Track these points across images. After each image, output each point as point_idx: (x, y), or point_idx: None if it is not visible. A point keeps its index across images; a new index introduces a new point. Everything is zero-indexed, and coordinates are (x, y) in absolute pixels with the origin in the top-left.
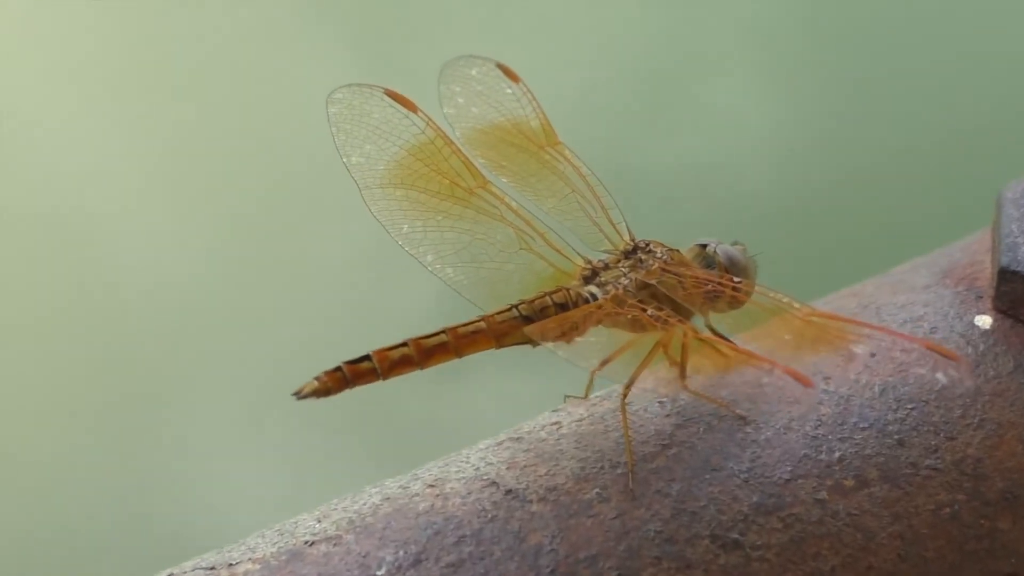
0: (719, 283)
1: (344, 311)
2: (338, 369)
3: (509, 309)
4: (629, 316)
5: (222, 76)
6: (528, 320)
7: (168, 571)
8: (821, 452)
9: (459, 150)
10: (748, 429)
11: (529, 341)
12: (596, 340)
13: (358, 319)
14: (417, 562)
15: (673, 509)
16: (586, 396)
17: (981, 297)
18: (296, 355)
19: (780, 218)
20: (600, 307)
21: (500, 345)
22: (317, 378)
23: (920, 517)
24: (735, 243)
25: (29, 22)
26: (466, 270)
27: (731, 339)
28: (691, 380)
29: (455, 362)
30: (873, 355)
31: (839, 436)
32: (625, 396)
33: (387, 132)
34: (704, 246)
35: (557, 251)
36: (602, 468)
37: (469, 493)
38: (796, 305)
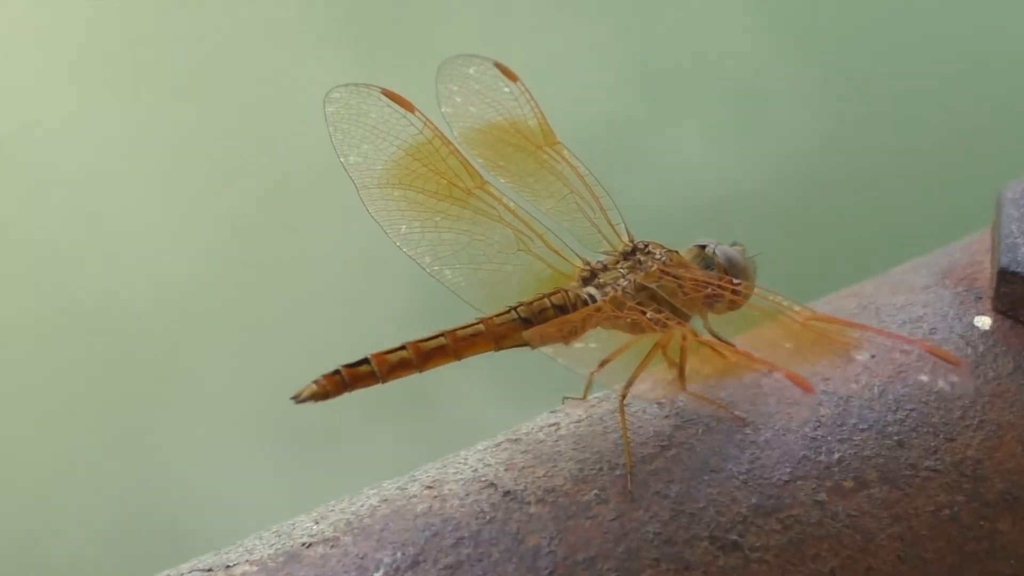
0: (718, 286)
1: (344, 311)
2: (336, 372)
3: (508, 311)
4: (628, 319)
5: (222, 76)
6: (527, 322)
7: (165, 572)
8: (820, 453)
9: (457, 150)
10: (747, 430)
11: (528, 344)
12: (596, 346)
13: (358, 319)
14: (415, 564)
15: (672, 510)
16: (584, 397)
17: (981, 298)
18: (295, 355)
19: (779, 218)
20: (599, 309)
21: (499, 347)
22: (316, 382)
23: (920, 518)
24: (734, 244)
25: (29, 22)
26: (464, 271)
27: (730, 341)
28: (690, 382)
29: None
30: (872, 356)
31: (838, 437)
32: (624, 397)
33: (385, 132)
34: (703, 247)
35: (555, 252)
36: (601, 469)
37: (467, 495)
38: (795, 308)
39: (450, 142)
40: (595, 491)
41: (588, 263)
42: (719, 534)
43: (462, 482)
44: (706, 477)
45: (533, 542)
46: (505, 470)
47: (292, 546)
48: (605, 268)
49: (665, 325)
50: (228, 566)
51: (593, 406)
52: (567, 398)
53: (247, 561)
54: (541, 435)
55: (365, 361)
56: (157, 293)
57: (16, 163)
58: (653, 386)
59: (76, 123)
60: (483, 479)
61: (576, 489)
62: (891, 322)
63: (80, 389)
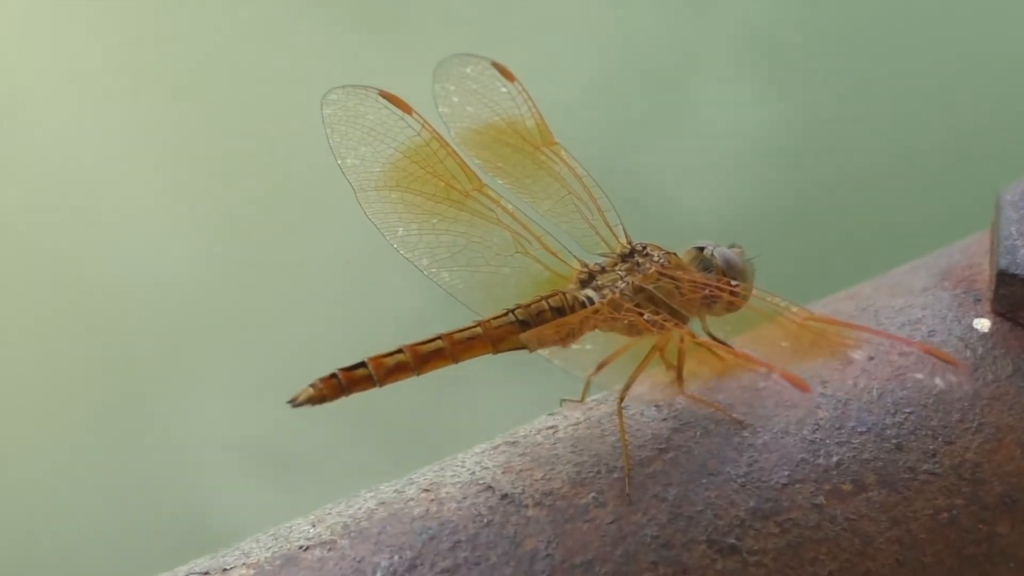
0: (717, 288)
1: (344, 311)
2: (333, 376)
3: (505, 314)
4: (626, 321)
5: (222, 76)
6: (525, 325)
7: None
8: (819, 456)
9: (454, 152)
10: (745, 433)
11: (526, 347)
12: (592, 348)
13: (358, 319)
14: (412, 567)
15: (670, 514)
16: (582, 400)
17: (980, 300)
18: (296, 355)
19: (778, 219)
20: (597, 312)
21: (497, 350)
22: (312, 385)
23: (918, 522)
24: (732, 246)
25: (29, 22)
26: (461, 274)
27: (728, 343)
28: (688, 384)
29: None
30: (871, 358)
31: (837, 440)
32: (622, 400)
33: (382, 134)
34: (701, 249)
35: (553, 254)
36: (598, 472)
37: (464, 498)
38: (793, 309)
39: (448, 144)
40: (593, 494)
41: (586, 265)
42: (717, 537)
43: (459, 485)
44: (704, 480)
45: (531, 545)
46: (503, 473)
47: (289, 549)
48: (603, 270)
49: (663, 327)
50: (225, 569)
51: (591, 408)
52: (565, 400)
53: (244, 564)
54: (539, 438)
55: (362, 364)
56: (157, 293)
57: (16, 163)
58: (651, 388)
59: (76, 123)
60: (480, 482)
61: (574, 492)
62: (890, 324)
63: (80, 389)
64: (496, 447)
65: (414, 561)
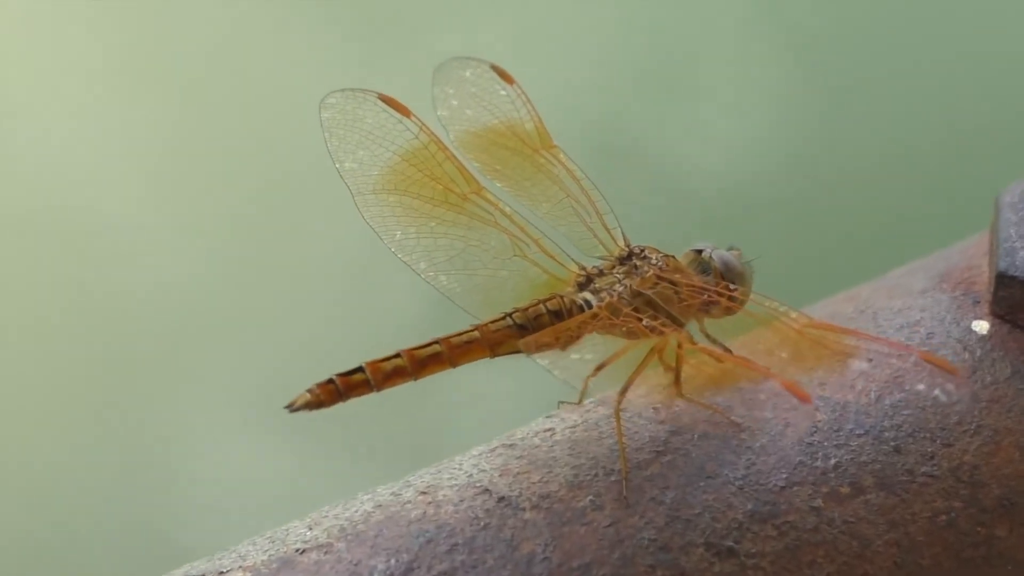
0: (715, 292)
1: (344, 312)
2: (330, 381)
3: (503, 318)
4: (624, 327)
5: (223, 75)
6: (522, 329)
7: None
8: (817, 459)
9: (453, 155)
10: (743, 436)
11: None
12: (592, 357)
13: (358, 320)
14: (409, 571)
15: (667, 517)
16: (580, 402)
17: (978, 302)
18: (296, 355)
19: (776, 221)
20: (595, 316)
21: (494, 354)
22: (309, 390)
23: (916, 524)
24: (730, 248)
25: (28, 22)
26: (459, 277)
27: (726, 346)
28: (686, 387)
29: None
30: (870, 360)
31: (835, 443)
32: (620, 403)
33: (380, 137)
34: (699, 251)
35: (551, 257)
36: (596, 475)
37: (461, 500)
38: (792, 314)
39: (446, 147)
40: (590, 497)
41: (584, 268)
42: (715, 540)
43: (456, 488)
44: (702, 483)
45: (528, 549)
46: (500, 476)
47: (286, 552)
48: (601, 273)
49: (661, 332)
50: (221, 572)
51: (589, 411)
52: (562, 403)
53: (240, 567)
54: (536, 440)
55: (359, 369)
56: (157, 293)
57: (16, 162)
58: (649, 391)
59: (76, 123)
60: (478, 485)
61: (571, 495)
62: (888, 326)
63: (80, 389)
64: (493, 449)
65: (411, 564)
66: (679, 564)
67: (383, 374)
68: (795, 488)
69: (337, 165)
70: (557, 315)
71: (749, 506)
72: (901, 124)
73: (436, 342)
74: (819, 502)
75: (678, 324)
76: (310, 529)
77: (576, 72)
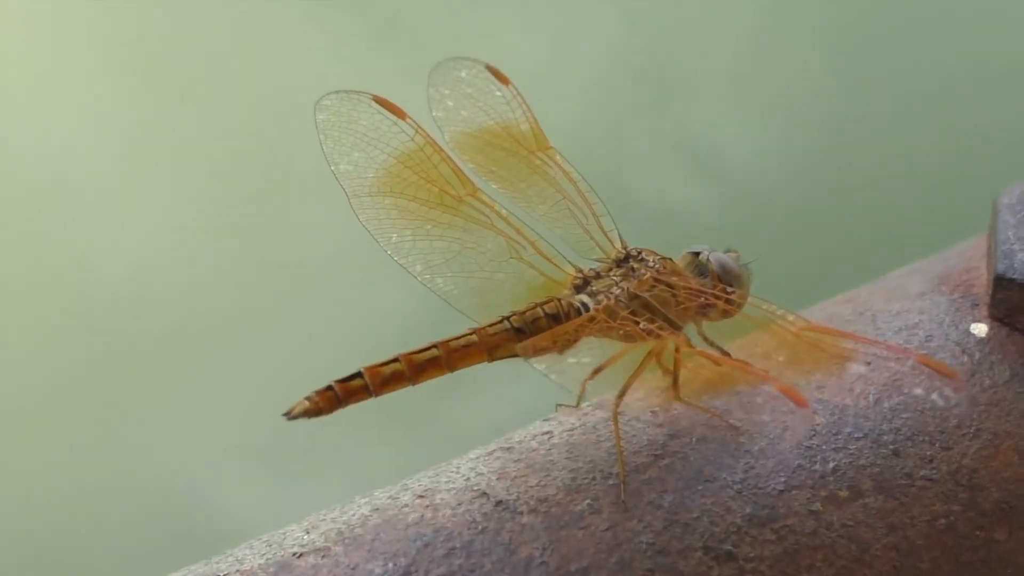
0: (712, 295)
1: (344, 312)
2: (329, 388)
3: (500, 321)
4: (621, 331)
5: (224, 75)
6: (520, 332)
7: None
8: (815, 463)
9: (448, 157)
10: (741, 439)
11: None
12: (589, 361)
13: (358, 320)
14: (407, 575)
15: (665, 520)
16: (578, 405)
17: (977, 305)
18: (297, 355)
19: (774, 223)
20: (592, 319)
21: (492, 358)
22: (308, 398)
23: (915, 528)
24: (728, 250)
25: (28, 21)
26: (455, 280)
27: (724, 348)
28: (684, 390)
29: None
30: (868, 363)
31: (833, 446)
32: (617, 406)
33: (376, 139)
34: (697, 254)
35: (548, 260)
36: (594, 479)
37: (459, 504)
38: (789, 318)
39: (442, 149)
40: (588, 501)
41: (581, 270)
42: (713, 544)
43: (454, 491)
44: (700, 487)
45: (525, 552)
46: (497, 479)
47: (283, 556)
48: (598, 275)
49: (658, 335)
50: None
51: (586, 414)
52: (560, 406)
53: (237, 571)
54: (534, 444)
55: (358, 375)
56: (157, 293)
57: (16, 162)
58: (647, 395)
59: (76, 122)
60: (475, 488)
61: (569, 499)
62: (887, 329)
63: (80, 389)
64: (491, 452)
65: (408, 568)
66: (677, 568)
67: (381, 379)
68: (793, 492)
69: (332, 167)
70: (554, 318)
71: (747, 510)
72: (899, 125)
73: (434, 346)
74: (818, 506)
75: (675, 327)
76: (307, 533)
77: (575, 71)
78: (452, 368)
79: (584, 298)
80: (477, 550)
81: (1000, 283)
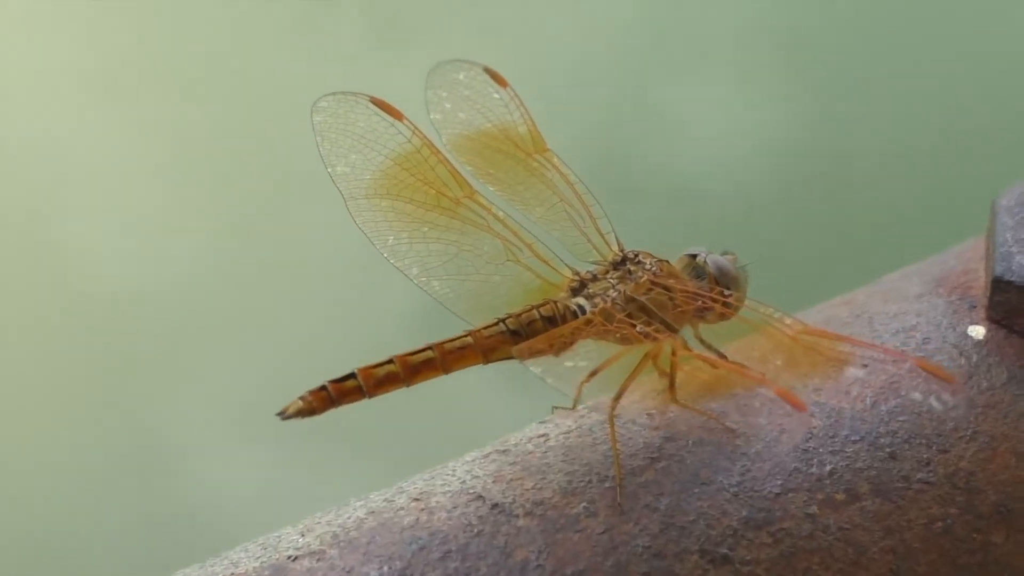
0: (710, 298)
1: (345, 311)
2: (323, 388)
3: (496, 323)
4: (618, 334)
5: (225, 75)
6: (515, 334)
7: None
8: (812, 465)
9: (446, 159)
10: (738, 442)
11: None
12: (585, 364)
13: (359, 319)
14: None
15: (662, 524)
16: (574, 407)
17: (975, 307)
18: (297, 355)
19: (771, 224)
20: (589, 321)
21: (487, 361)
22: (302, 398)
23: (912, 531)
24: (725, 253)
25: (28, 21)
26: (452, 283)
27: (721, 351)
28: (680, 393)
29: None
30: (865, 366)
31: (830, 449)
32: (613, 408)
33: (372, 141)
34: (694, 256)
35: (544, 262)
36: (590, 482)
37: (455, 507)
38: (787, 321)
39: (439, 151)
40: (584, 504)
41: (577, 273)
42: (709, 547)
43: (450, 494)
44: (696, 490)
45: (521, 556)
46: (493, 482)
47: (278, 559)
48: (595, 278)
49: (655, 338)
50: None
51: (583, 417)
52: (556, 408)
53: (232, 574)
54: (530, 446)
55: (352, 376)
56: (158, 293)
57: (16, 162)
58: (643, 397)
59: (77, 122)
60: (471, 491)
61: (565, 502)
62: (884, 331)
63: (80, 389)
64: (487, 455)
65: (404, 571)
66: (673, 571)
67: (375, 380)
68: (790, 495)
69: (329, 169)
70: (551, 321)
71: (744, 513)
72: (897, 126)
73: (429, 348)
74: (814, 509)
75: (672, 330)
76: (302, 536)
77: (575, 70)
78: (447, 370)
79: (581, 301)
80: (473, 553)
81: (998, 285)
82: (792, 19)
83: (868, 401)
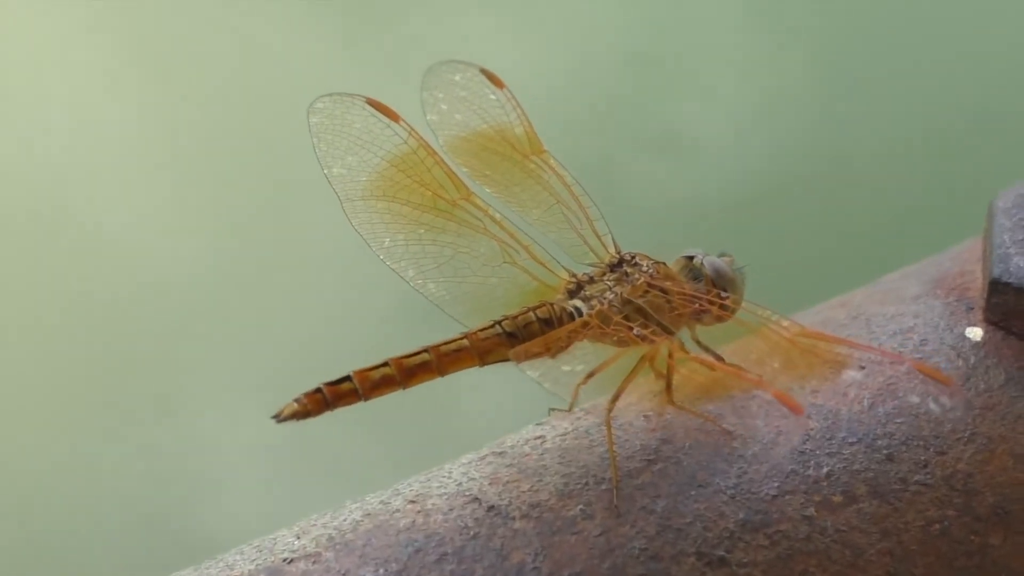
0: (707, 300)
1: (345, 311)
2: (318, 391)
3: (492, 325)
4: (615, 336)
5: (226, 75)
6: (512, 336)
7: None
8: (809, 467)
9: (442, 161)
10: (735, 444)
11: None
12: (583, 368)
13: (359, 319)
14: None
15: (658, 526)
16: (570, 409)
17: (972, 308)
18: (297, 355)
19: (769, 225)
20: (585, 324)
21: (484, 363)
22: (297, 400)
23: (910, 533)
24: (722, 255)
25: (28, 21)
26: (448, 285)
27: (719, 353)
28: (677, 395)
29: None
30: (862, 368)
31: (827, 451)
32: (610, 410)
33: (369, 143)
34: (691, 258)
35: (541, 264)
36: (586, 484)
37: (451, 509)
38: (784, 323)
39: (435, 152)
40: (580, 506)
41: (574, 275)
42: (706, 550)
43: (446, 496)
44: (693, 492)
45: (518, 558)
46: (490, 484)
47: (273, 562)
48: (591, 280)
49: (652, 340)
50: None
51: (579, 419)
52: (553, 410)
53: None
54: (526, 448)
55: (347, 379)
56: (158, 293)
57: (16, 162)
58: (640, 399)
59: (76, 122)
60: (467, 493)
61: (561, 504)
62: (881, 332)
63: (80, 389)
64: (483, 457)
65: (400, 574)
66: (670, 574)
67: (371, 383)
68: (787, 497)
69: (325, 171)
70: (547, 323)
71: (741, 515)
72: (895, 126)
73: (425, 350)
74: (811, 511)
75: (669, 332)
76: (298, 538)
77: (573, 70)
78: (443, 372)
79: (577, 303)
80: (469, 556)
81: (995, 287)
82: (792, 19)
83: (865, 403)
